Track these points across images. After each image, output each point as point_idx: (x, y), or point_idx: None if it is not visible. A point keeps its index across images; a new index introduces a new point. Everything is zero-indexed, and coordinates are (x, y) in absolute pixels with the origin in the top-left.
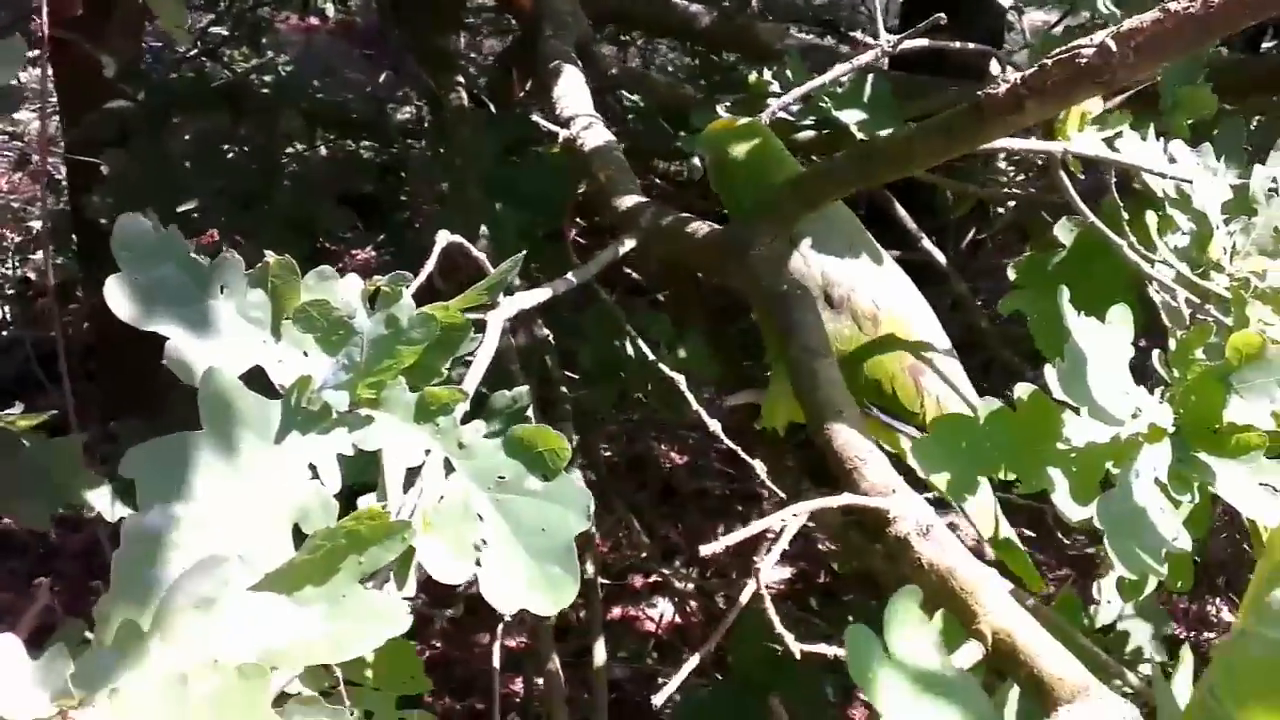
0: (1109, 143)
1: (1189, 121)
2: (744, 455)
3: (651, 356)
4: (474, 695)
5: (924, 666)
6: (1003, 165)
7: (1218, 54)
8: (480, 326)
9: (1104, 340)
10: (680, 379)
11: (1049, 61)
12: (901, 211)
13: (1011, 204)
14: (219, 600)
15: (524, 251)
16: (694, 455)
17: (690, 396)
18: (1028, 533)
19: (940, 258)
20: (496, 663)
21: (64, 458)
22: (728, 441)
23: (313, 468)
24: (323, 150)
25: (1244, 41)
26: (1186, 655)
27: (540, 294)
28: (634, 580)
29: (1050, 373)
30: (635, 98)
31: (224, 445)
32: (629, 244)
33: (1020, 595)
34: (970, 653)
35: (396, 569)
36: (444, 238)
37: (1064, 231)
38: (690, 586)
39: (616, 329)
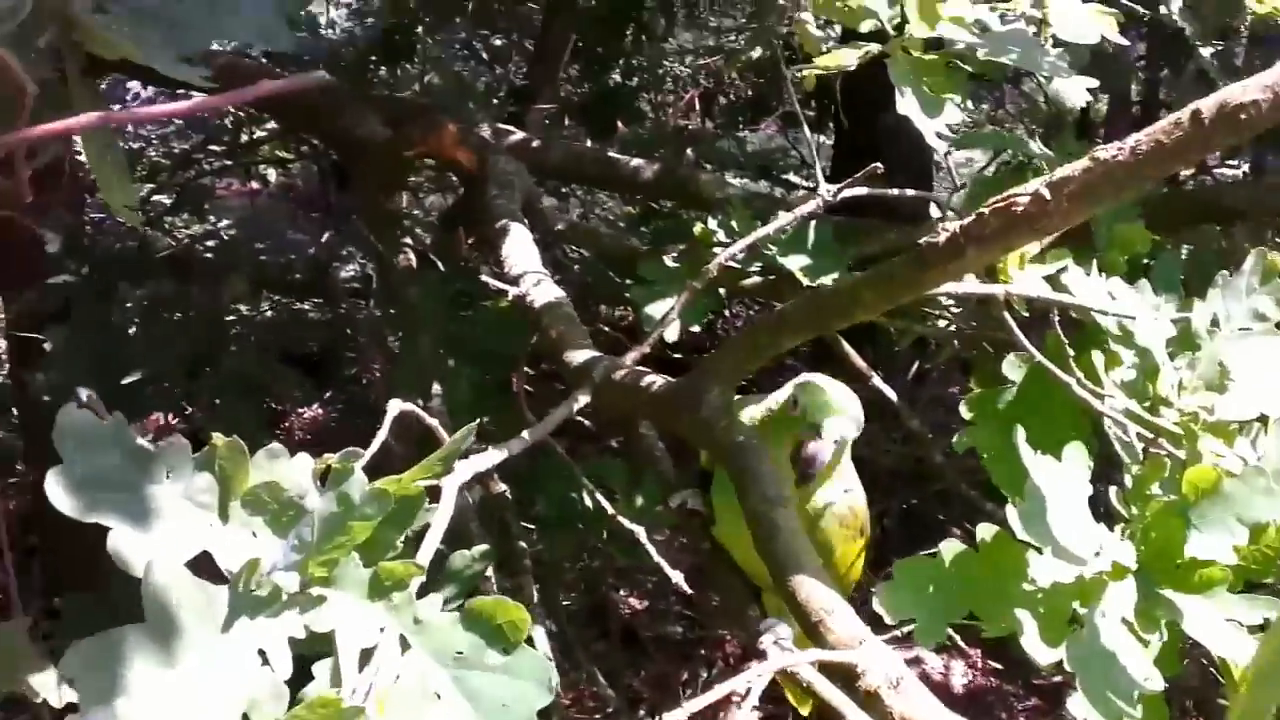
0: (1051, 280)
1: (1125, 257)
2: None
3: (610, 510)
4: None
5: None
6: (945, 301)
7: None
8: (435, 492)
9: (1062, 478)
10: (640, 530)
11: (986, 210)
12: (849, 349)
13: (954, 342)
14: None
15: (477, 421)
16: (653, 599)
17: (651, 548)
18: (994, 664)
19: (890, 394)
20: None
21: (5, 646)
22: (686, 588)
23: (263, 653)
24: (269, 312)
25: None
26: None
27: (495, 456)
28: None
29: (1011, 512)
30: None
31: (167, 639)
32: (583, 400)
33: None
34: None
35: None
36: (395, 406)
37: (1011, 368)
38: None
39: (572, 481)
